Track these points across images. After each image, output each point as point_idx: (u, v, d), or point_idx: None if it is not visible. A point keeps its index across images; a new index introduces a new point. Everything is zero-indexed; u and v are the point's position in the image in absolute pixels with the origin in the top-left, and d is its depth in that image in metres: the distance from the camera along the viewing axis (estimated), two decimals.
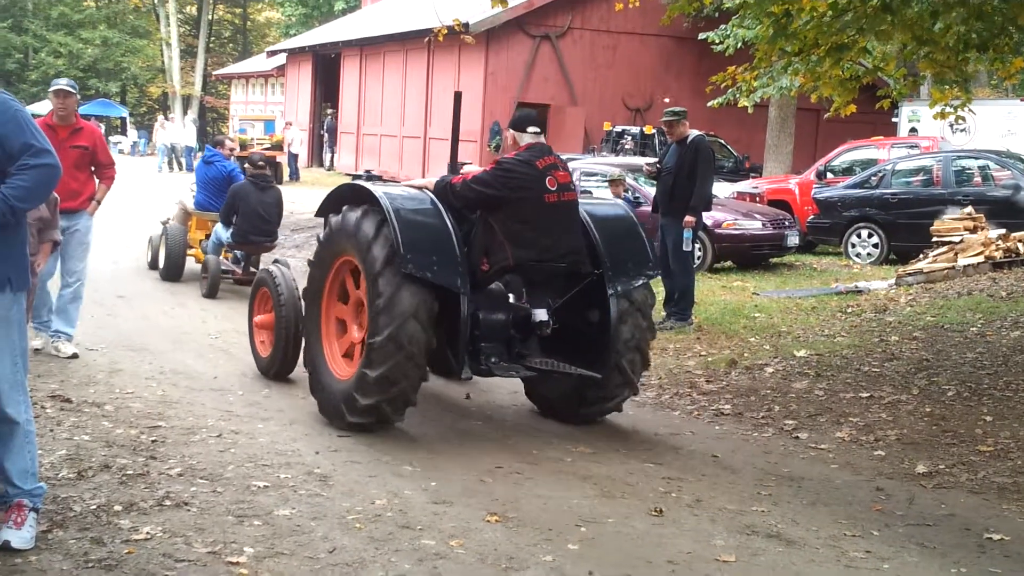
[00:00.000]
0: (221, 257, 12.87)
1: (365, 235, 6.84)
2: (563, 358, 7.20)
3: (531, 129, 7.21)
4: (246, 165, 13.04)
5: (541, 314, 7.10)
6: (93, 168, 8.92)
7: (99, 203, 8.97)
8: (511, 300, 7.26)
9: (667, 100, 25.32)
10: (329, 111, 38.23)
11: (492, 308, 7.16)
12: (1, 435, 4.64)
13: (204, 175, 13.68)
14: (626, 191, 12.19)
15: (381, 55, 32.70)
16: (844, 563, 5.03)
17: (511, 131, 7.35)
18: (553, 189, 6.95)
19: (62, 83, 8.63)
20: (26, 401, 4.75)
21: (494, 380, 8.45)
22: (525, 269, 7.07)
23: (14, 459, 4.66)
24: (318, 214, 7.93)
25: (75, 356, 8.68)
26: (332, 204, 7.60)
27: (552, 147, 7.49)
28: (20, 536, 4.55)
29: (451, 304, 6.74)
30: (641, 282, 7.26)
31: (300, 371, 8.56)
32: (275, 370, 8.45)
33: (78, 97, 8.80)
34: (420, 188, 7.30)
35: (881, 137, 20.98)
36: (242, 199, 12.35)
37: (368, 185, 7.29)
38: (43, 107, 50.03)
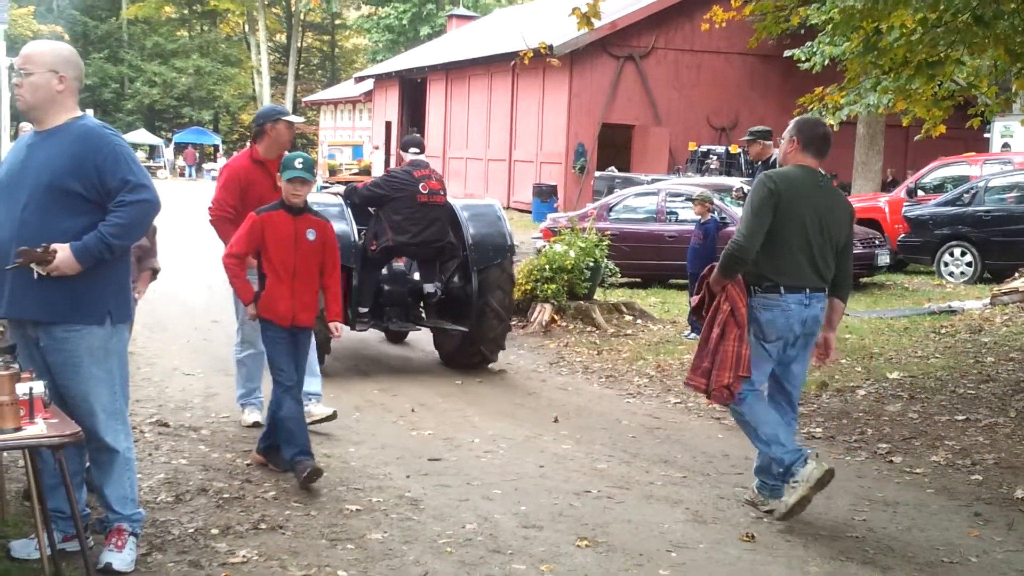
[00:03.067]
0: None
1: None
2: (452, 320, 9.81)
3: (412, 150, 9.58)
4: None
5: (429, 287, 9.83)
6: None
7: None
8: (414, 277, 10.01)
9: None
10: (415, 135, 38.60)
11: (394, 282, 9.88)
12: (100, 463, 4.76)
13: None
14: (711, 211, 12.12)
15: (466, 79, 32.97)
16: None
17: (400, 151, 9.80)
18: (425, 192, 9.29)
19: (288, 111, 7.40)
20: (125, 430, 4.83)
21: (583, 404, 8.58)
22: (404, 251, 9.56)
23: (113, 486, 4.77)
24: None
25: (333, 416, 7.47)
26: None
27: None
28: (121, 559, 4.66)
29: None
30: (498, 262, 9.61)
31: (382, 397, 8.67)
32: None
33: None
34: (335, 193, 10.17)
35: (973, 153, 20.59)
36: None
37: None
38: (139, 136, 51.46)
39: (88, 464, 5.02)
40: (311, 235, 6.15)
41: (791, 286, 5.68)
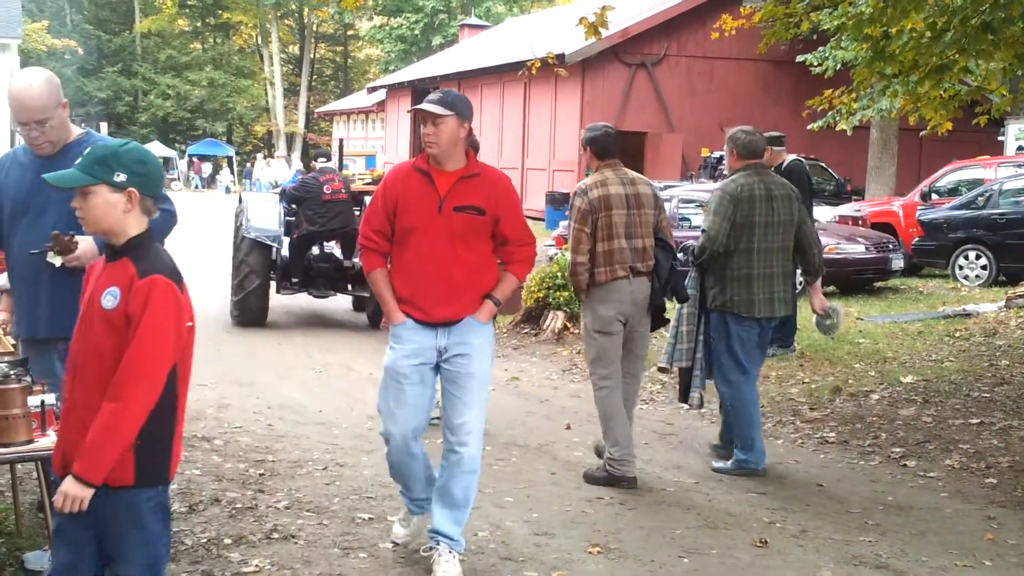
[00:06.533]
0: None
1: (238, 219, 12.75)
2: (364, 288, 12.05)
3: (321, 160, 13.43)
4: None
5: (347, 263, 12.71)
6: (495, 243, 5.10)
7: (499, 304, 5.06)
8: (336, 255, 12.92)
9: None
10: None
11: (322, 260, 12.83)
12: None
13: None
14: None
15: (478, 88, 33.01)
16: None
17: (313, 160, 13.65)
18: (328, 192, 12.37)
19: (431, 99, 4.92)
20: None
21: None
22: (316, 237, 12.58)
23: None
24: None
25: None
26: (239, 203, 13.30)
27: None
28: None
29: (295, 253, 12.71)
30: None
31: None
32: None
33: (467, 124, 4.93)
34: (273, 192, 13.88)
35: (987, 156, 20.51)
36: None
37: (244, 192, 16.39)
38: (153, 149, 51.61)
39: None
40: (109, 300, 3.37)
41: None
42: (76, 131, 4.65)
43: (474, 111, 4.98)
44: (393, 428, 4.95)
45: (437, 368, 4.98)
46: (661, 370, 7.45)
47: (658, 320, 6.73)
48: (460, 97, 4.97)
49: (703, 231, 6.86)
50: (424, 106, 4.87)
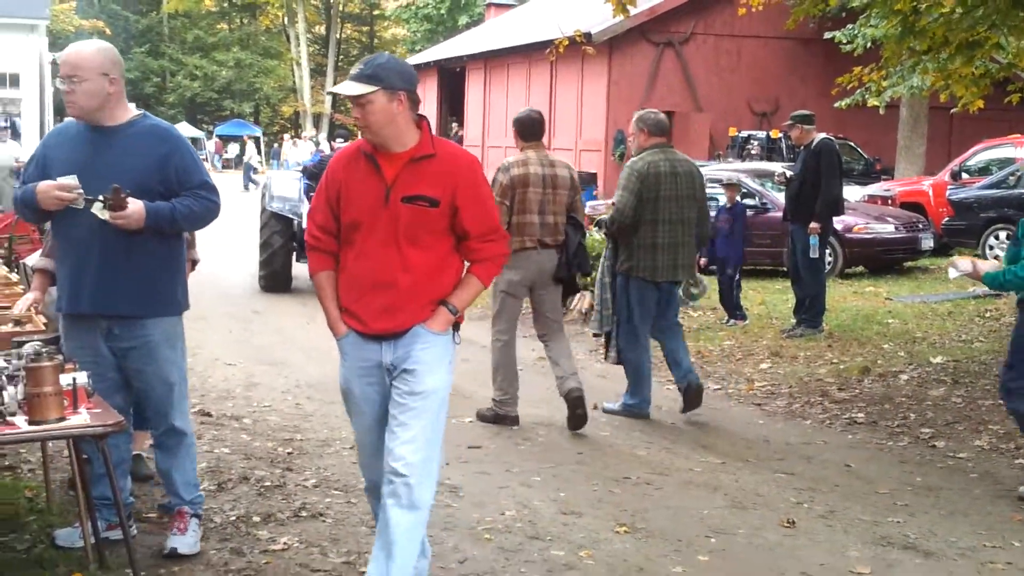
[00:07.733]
0: None
1: (262, 193, 14.07)
2: None
3: (339, 139, 15.02)
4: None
5: None
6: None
7: (455, 312, 4.11)
8: None
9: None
10: (454, 124, 38.59)
11: None
12: (170, 447, 4.86)
13: None
14: (743, 196, 12.00)
15: (505, 67, 32.91)
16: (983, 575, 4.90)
17: (333, 142, 14.93)
18: None
19: (351, 75, 4.06)
20: (188, 413, 4.99)
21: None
22: None
23: (180, 470, 4.89)
24: None
25: None
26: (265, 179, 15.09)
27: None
28: (185, 542, 4.76)
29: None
30: None
31: None
32: None
33: (401, 94, 3.99)
34: (298, 170, 15.07)
35: (1019, 135, 20.31)
36: None
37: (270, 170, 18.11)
38: (181, 129, 51.75)
39: (135, 452, 5.11)
40: None
41: None
42: (132, 111, 4.66)
43: (416, 75, 4.15)
44: (364, 460, 4.35)
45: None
46: (596, 336, 8.29)
47: (569, 288, 7.62)
48: (387, 63, 4.06)
49: (613, 204, 7.63)
50: (338, 88, 4.11)
